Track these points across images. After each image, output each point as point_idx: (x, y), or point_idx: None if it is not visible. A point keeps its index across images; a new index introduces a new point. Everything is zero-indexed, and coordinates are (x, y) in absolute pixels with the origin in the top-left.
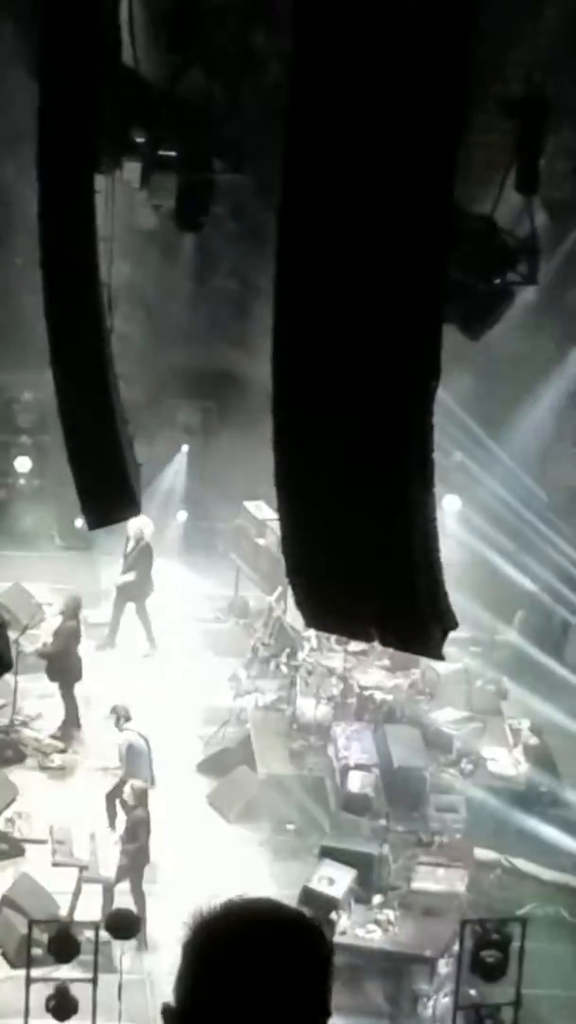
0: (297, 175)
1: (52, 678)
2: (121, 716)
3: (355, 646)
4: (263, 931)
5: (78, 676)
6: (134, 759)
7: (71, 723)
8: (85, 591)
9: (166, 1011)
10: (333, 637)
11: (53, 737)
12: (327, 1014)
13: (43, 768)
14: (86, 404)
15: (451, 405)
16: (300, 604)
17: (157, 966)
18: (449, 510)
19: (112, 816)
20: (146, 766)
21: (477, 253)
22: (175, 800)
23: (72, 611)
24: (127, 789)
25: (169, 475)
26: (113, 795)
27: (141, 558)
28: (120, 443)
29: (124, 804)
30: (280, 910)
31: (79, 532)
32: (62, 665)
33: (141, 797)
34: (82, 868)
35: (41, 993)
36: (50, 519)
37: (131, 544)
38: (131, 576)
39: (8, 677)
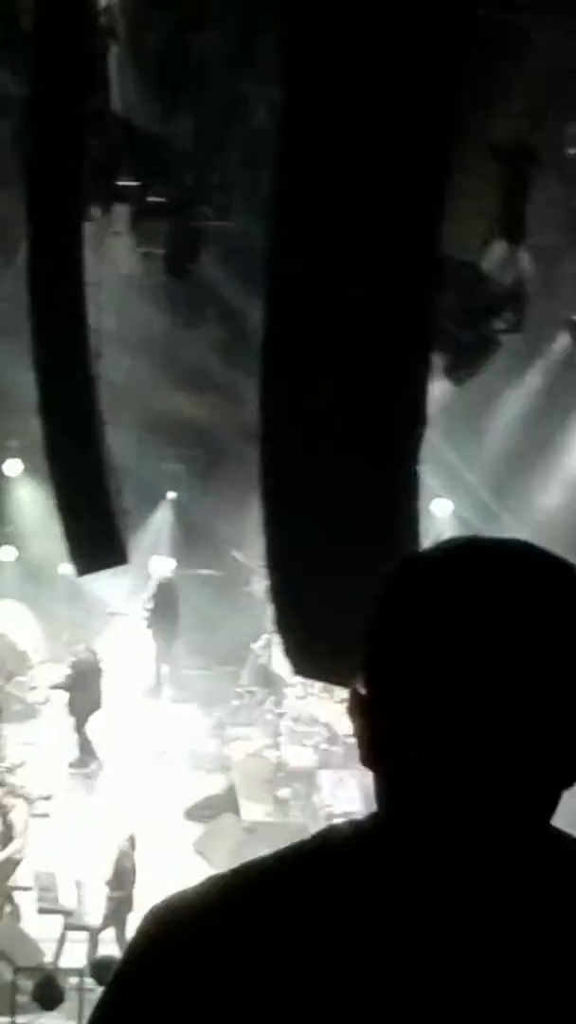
0: (285, 222)
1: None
2: None
3: (341, 693)
4: (510, 566)
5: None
6: None
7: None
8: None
9: (355, 698)
10: (319, 685)
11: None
12: None
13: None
14: (73, 450)
15: (440, 448)
16: (287, 652)
17: None
18: (440, 514)
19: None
20: None
21: (463, 301)
22: (161, 846)
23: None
24: (120, 838)
25: (155, 523)
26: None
27: (161, 597)
28: (107, 490)
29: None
30: (531, 545)
31: (63, 579)
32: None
33: (129, 846)
34: (67, 914)
35: None
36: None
37: (152, 583)
38: (150, 615)
39: None
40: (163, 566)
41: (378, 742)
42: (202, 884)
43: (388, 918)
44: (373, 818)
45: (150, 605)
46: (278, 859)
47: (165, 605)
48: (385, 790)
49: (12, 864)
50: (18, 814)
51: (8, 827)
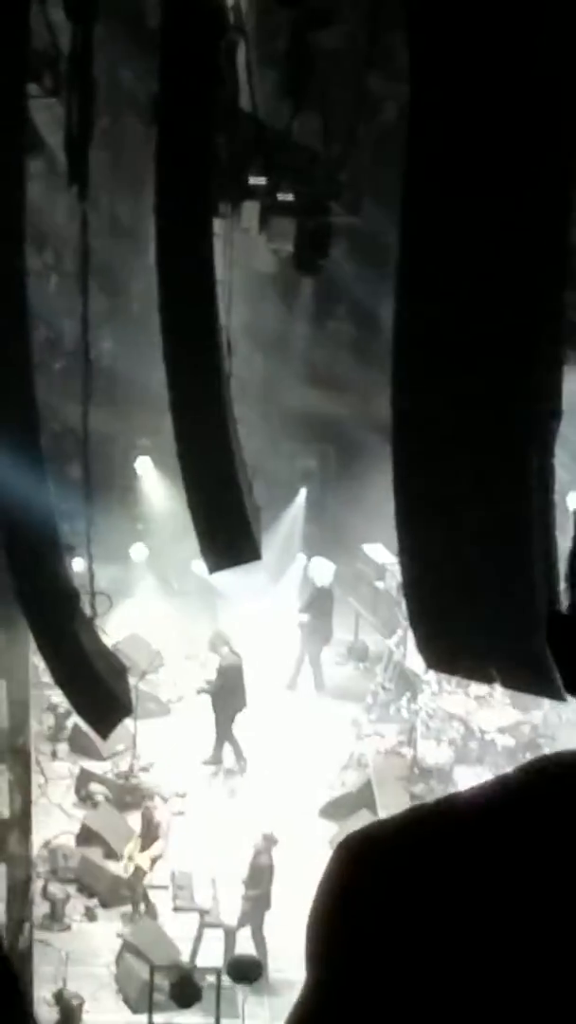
0: (415, 217)
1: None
2: None
3: (476, 689)
4: None
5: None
6: None
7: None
8: (204, 634)
9: (553, 618)
10: (454, 680)
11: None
12: None
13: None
14: (205, 448)
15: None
16: (421, 647)
17: (279, 1012)
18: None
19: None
20: None
21: None
22: (297, 844)
23: (224, 645)
24: (257, 836)
25: (287, 519)
26: None
27: (318, 602)
28: (239, 487)
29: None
30: None
31: (196, 577)
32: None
33: (267, 844)
34: (203, 913)
35: None
36: (167, 563)
37: (311, 588)
38: (306, 618)
39: (127, 722)
40: (323, 571)
41: None
42: (403, 817)
43: None
44: None
45: (307, 610)
46: (481, 794)
47: (321, 611)
48: None
49: (151, 863)
50: (162, 814)
51: (152, 827)
